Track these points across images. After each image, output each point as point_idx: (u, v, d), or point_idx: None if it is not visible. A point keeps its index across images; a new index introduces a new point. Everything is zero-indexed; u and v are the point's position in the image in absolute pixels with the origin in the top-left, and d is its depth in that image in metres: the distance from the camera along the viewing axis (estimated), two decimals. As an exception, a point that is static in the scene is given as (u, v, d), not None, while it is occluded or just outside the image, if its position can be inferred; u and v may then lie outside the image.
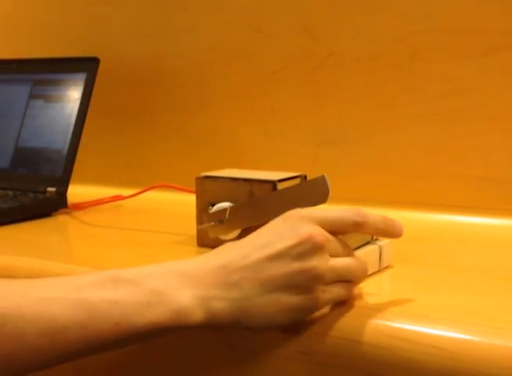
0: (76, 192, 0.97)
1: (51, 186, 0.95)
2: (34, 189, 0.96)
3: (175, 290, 0.47)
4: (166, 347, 0.57)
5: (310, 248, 0.48)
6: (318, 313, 0.50)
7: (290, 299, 0.47)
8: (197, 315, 0.47)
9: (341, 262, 0.50)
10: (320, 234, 0.48)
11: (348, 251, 0.51)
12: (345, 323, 0.49)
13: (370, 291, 0.57)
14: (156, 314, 0.46)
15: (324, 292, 0.48)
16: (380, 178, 0.88)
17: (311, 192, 0.58)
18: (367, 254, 0.59)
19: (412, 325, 0.47)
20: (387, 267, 0.63)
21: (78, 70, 1.00)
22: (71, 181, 0.95)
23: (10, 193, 0.97)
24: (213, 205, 0.69)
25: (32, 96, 1.04)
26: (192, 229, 0.73)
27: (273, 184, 0.67)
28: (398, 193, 0.86)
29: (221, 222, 0.66)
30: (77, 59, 1.02)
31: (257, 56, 0.96)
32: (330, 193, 0.56)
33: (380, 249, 0.61)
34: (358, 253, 0.57)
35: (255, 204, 0.64)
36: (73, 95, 0.99)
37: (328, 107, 0.91)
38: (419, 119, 0.85)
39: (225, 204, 0.67)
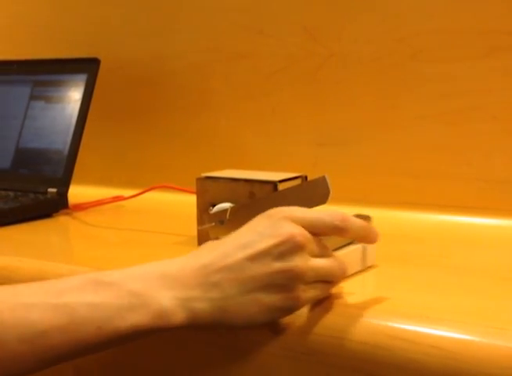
0: (77, 192, 0.97)
1: (52, 187, 0.95)
2: (34, 189, 0.96)
3: (156, 291, 0.47)
4: (163, 347, 0.57)
5: (291, 248, 0.48)
6: (318, 314, 0.50)
7: (271, 298, 0.48)
8: (178, 316, 0.47)
9: (321, 263, 0.50)
10: (301, 234, 0.49)
11: (328, 252, 0.52)
12: (345, 323, 0.49)
13: (370, 291, 0.57)
14: (137, 316, 0.46)
15: (304, 291, 0.49)
16: (380, 178, 0.88)
17: (311, 192, 0.58)
18: (350, 254, 0.59)
19: (413, 325, 0.47)
20: (371, 266, 0.63)
21: (79, 70, 1.01)
22: (72, 182, 0.96)
23: (11, 193, 0.97)
24: (214, 206, 0.70)
25: (33, 97, 1.04)
26: (192, 229, 0.73)
27: (274, 185, 0.67)
28: (398, 194, 0.86)
29: (221, 222, 0.66)
30: (78, 60, 1.02)
31: (258, 56, 0.96)
32: (331, 193, 0.56)
33: (364, 248, 0.61)
34: (342, 252, 0.58)
35: (256, 205, 0.64)
36: (74, 96, 0.99)
37: (329, 108, 0.91)
38: (420, 120, 0.85)
39: (226, 205, 0.67)
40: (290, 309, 0.49)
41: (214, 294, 0.47)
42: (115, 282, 0.47)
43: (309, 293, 0.49)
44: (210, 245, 0.51)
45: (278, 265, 0.48)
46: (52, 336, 0.44)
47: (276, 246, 0.48)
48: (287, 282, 0.48)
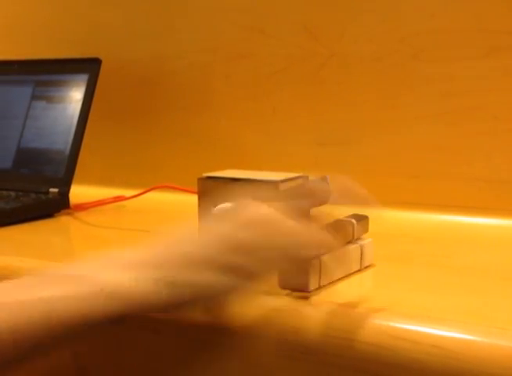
0: (78, 192, 0.97)
1: (53, 187, 0.95)
2: (36, 189, 0.96)
3: (128, 274, 0.47)
4: (168, 348, 0.57)
5: (255, 227, 0.49)
6: (320, 314, 0.51)
7: (235, 277, 0.48)
8: (152, 297, 0.47)
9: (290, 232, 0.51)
10: (266, 213, 0.50)
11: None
12: (348, 323, 0.49)
13: (371, 291, 0.57)
14: (111, 302, 0.46)
15: (265, 264, 0.50)
16: (382, 178, 0.88)
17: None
18: (349, 253, 0.60)
19: (415, 325, 0.47)
20: (368, 266, 0.63)
21: (80, 71, 1.01)
22: (73, 182, 0.96)
23: (12, 193, 0.97)
24: (215, 206, 0.70)
25: (34, 97, 1.04)
26: (194, 229, 0.73)
27: (275, 185, 0.67)
28: (400, 194, 0.86)
29: (223, 222, 0.66)
30: (79, 60, 1.02)
31: (258, 56, 0.96)
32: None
33: (361, 248, 0.62)
34: (340, 251, 0.58)
35: (257, 205, 0.64)
36: (75, 96, 1.00)
37: (330, 108, 0.92)
38: (421, 119, 0.85)
39: (228, 205, 0.67)
40: (255, 285, 0.50)
41: (182, 276, 0.48)
42: (85, 273, 0.47)
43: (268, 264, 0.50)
44: (174, 232, 0.52)
45: (240, 242, 0.48)
46: (3, 337, 0.43)
47: (240, 227, 0.49)
48: (248, 260, 0.48)
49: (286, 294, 0.54)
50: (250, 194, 0.52)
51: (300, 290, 0.55)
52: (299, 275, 0.54)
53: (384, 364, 0.46)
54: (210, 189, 0.71)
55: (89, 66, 1.00)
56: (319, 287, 0.55)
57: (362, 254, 0.62)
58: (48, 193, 0.95)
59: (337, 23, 0.89)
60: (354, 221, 0.62)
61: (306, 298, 0.53)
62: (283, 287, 0.55)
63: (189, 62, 1.03)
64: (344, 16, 0.89)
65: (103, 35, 1.10)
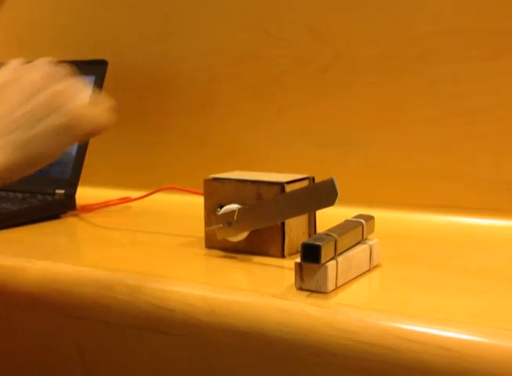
0: (84, 194, 0.97)
1: (60, 188, 0.95)
2: (42, 191, 0.97)
3: None
4: (168, 348, 0.57)
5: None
6: (327, 315, 0.51)
7: (52, 122, 0.52)
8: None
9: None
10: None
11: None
12: (353, 324, 0.49)
13: (377, 292, 0.57)
14: None
15: (72, 104, 0.54)
16: (388, 180, 0.88)
17: (319, 194, 0.58)
18: (360, 253, 0.60)
19: (421, 326, 0.47)
20: (376, 266, 0.63)
21: (87, 72, 1.01)
22: (80, 183, 0.96)
23: (19, 195, 0.97)
24: (221, 207, 0.70)
25: (41, 99, 1.04)
26: (200, 230, 0.73)
27: (281, 186, 0.67)
28: (406, 195, 0.86)
29: (229, 224, 0.66)
30: (86, 62, 1.02)
31: (264, 58, 0.96)
32: (338, 195, 0.56)
33: (370, 248, 0.62)
34: (352, 252, 0.59)
35: (263, 206, 0.64)
36: (82, 97, 1.00)
37: (335, 109, 0.92)
38: (428, 121, 0.85)
39: (233, 206, 0.67)
40: (73, 125, 0.54)
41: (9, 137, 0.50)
42: None
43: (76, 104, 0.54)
44: None
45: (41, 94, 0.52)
46: None
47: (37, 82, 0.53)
48: (54, 100, 0.53)
49: (307, 296, 0.54)
50: None
51: (318, 291, 0.55)
52: (317, 276, 0.54)
53: (391, 365, 0.46)
54: (216, 190, 0.71)
55: (96, 68, 1.00)
56: (336, 288, 0.56)
57: (371, 255, 0.62)
58: (54, 194, 0.95)
59: (342, 24, 0.89)
60: (363, 221, 0.62)
61: (323, 299, 0.53)
62: (300, 289, 0.55)
63: (194, 64, 1.03)
64: (349, 17, 0.89)
65: (110, 37, 1.11)
